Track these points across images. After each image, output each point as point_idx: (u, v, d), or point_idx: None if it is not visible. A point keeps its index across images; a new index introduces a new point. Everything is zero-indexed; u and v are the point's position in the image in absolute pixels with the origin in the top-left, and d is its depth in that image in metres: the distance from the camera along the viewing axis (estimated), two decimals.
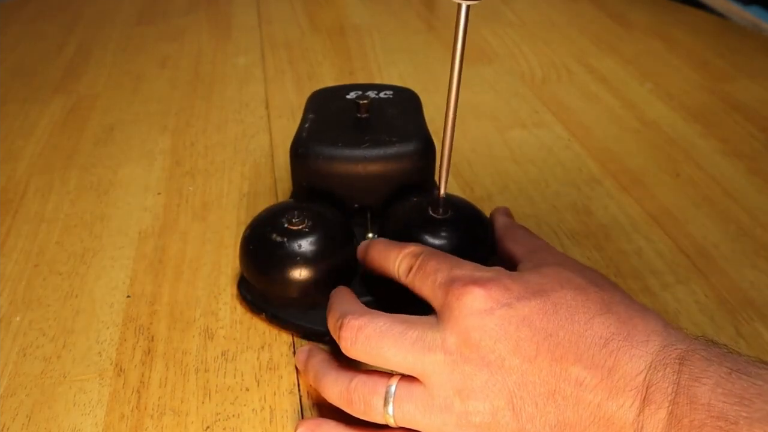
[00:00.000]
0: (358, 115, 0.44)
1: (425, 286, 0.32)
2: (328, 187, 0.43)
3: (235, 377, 0.37)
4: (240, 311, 0.41)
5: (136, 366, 0.38)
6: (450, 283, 0.30)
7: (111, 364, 0.38)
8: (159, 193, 0.53)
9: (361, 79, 0.70)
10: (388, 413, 0.30)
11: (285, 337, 0.39)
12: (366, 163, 0.42)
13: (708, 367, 0.25)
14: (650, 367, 0.26)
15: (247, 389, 0.36)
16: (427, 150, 0.43)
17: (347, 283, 0.40)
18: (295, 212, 0.39)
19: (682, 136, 0.58)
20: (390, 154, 0.42)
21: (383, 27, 0.83)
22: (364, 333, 0.30)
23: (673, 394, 0.25)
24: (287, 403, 0.35)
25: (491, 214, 0.42)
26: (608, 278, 0.32)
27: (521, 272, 0.31)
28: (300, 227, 0.38)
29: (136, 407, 0.35)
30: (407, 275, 0.33)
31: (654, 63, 0.71)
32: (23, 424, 0.35)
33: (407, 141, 0.43)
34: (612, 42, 0.76)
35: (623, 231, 0.47)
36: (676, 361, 0.26)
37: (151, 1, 0.95)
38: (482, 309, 0.29)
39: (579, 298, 0.29)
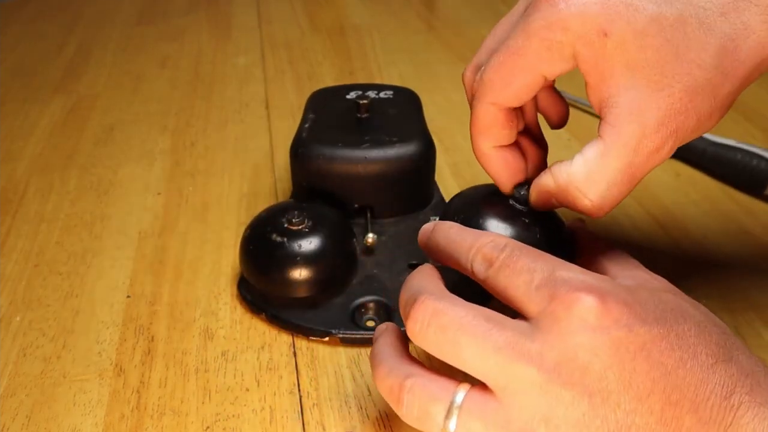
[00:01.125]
0: (359, 115, 0.44)
1: (514, 287, 0.26)
2: (329, 187, 0.43)
3: (235, 377, 0.37)
4: (240, 311, 0.41)
5: (136, 366, 0.38)
6: (555, 287, 0.25)
7: (111, 364, 0.38)
8: (159, 193, 0.53)
9: (361, 79, 0.70)
10: (448, 428, 0.25)
11: (285, 337, 0.39)
12: (366, 163, 0.42)
13: None
14: None
15: (247, 389, 0.36)
16: (427, 150, 0.43)
17: (347, 284, 0.40)
18: (295, 212, 0.39)
19: None
20: (390, 155, 0.42)
21: (383, 27, 0.83)
22: (441, 321, 0.25)
23: None
24: (287, 404, 0.35)
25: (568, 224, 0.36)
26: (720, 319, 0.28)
27: (638, 289, 0.27)
28: (300, 227, 0.38)
29: (136, 407, 0.35)
30: (486, 270, 0.27)
31: None
32: (23, 424, 0.35)
33: (408, 141, 0.43)
34: None
35: (623, 231, 0.47)
36: None
37: (151, 1, 0.95)
38: (596, 325, 0.24)
39: (702, 337, 0.25)
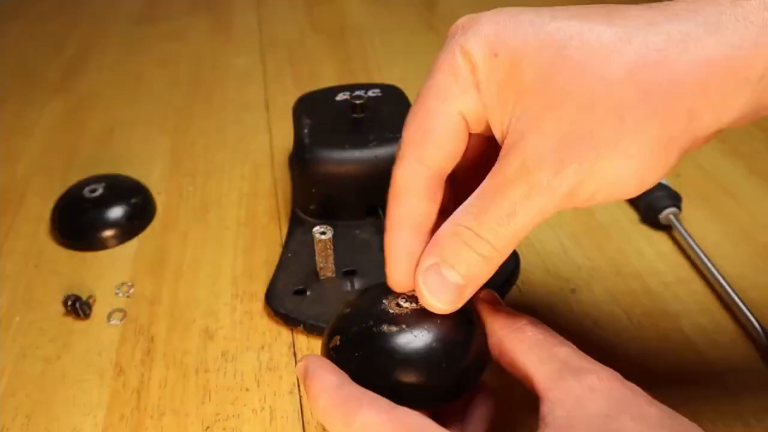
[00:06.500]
0: (354, 116, 0.44)
1: None
2: (338, 190, 0.43)
3: (235, 377, 0.37)
4: (240, 311, 0.41)
5: (136, 366, 0.38)
6: None
7: (111, 364, 0.38)
8: (159, 193, 0.53)
9: (362, 79, 0.70)
10: None
11: (285, 338, 0.39)
12: (376, 161, 0.42)
13: None
14: None
15: (247, 389, 0.36)
16: None
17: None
18: (395, 293, 0.28)
19: None
20: None
21: (383, 27, 0.83)
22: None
23: None
24: (287, 404, 0.35)
25: (476, 304, 0.28)
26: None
27: (572, 422, 0.22)
28: (410, 306, 0.27)
29: (136, 408, 0.35)
30: None
31: None
32: (23, 424, 0.35)
33: None
34: None
35: (623, 231, 0.47)
36: None
37: (152, 1, 0.95)
38: None
39: None
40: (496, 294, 0.29)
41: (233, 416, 0.35)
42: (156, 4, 0.94)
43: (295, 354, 0.38)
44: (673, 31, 0.22)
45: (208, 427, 0.34)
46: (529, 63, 0.23)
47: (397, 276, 0.27)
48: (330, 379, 0.24)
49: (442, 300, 0.25)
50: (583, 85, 0.22)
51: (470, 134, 0.26)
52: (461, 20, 0.25)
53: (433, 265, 0.25)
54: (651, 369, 0.36)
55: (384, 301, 0.27)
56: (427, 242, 0.26)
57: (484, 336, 0.27)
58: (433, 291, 0.25)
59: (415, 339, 0.25)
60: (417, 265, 0.26)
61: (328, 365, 0.25)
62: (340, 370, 0.25)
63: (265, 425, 0.34)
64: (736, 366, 0.37)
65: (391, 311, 0.26)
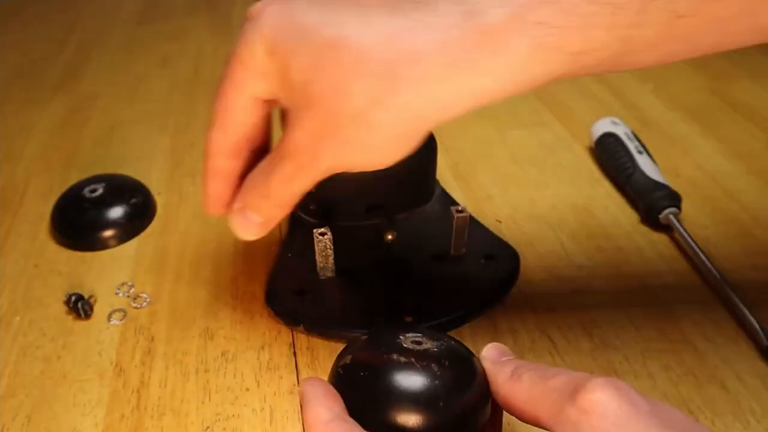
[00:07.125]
0: None
1: None
2: (339, 190, 0.43)
3: (235, 377, 0.37)
4: (240, 311, 0.41)
5: (136, 366, 0.38)
6: None
7: (111, 364, 0.38)
8: (159, 193, 0.53)
9: None
10: None
11: (285, 337, 0.39)
12: None
13: None
14: None
15: (247, 389, 0.36)
16: (431, 141, 0.44)
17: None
18: (414, 333, 0.30)
19: (682, 136, 0.58)
20: None
21: None
22: None
23: None
24: (287, 404, 0.35)
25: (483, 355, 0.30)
26: None
27: None
28: (423, 347, 0.29)
29: (136, 407, 0.35)
30: None
31: None
32: (23, 425, 0.35)
33: None
34: None
35: (623, 231, 0.47)
36: None
37: (152, 1, 0.95)
38: None
39: None
40: (500, 346, 0.30)
41: (233, 416, 0.35)
42: (156, 4, 0.94)
43: (295, 354, 0.38)
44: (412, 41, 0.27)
45: (208, 427, 0.34)
46: (295, 65, 0.28)
47: (211, 210, 0.34)
48: (321, 413, 0.27)
49: (247, 233, 0.33)
50: (333, 93, 0.27)
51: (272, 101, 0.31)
52: (254, 8, 0.29)
53: (240, 208, 0.33)
54: (651, 369, 0.36)
55: (401, 336, 0.29)
56: (234, 188, 0.33)
57: (486, 389, 0.28)
58: (239, 227, 0.33)
59: (420, 373, 0.27)
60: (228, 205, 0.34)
61: (324, 394, 0.28)
62: (336, 400, 0.27)
63: (265, 425, 0.34)
64: (736, 366, 0.37)
65: (405, 345, 0.28)
